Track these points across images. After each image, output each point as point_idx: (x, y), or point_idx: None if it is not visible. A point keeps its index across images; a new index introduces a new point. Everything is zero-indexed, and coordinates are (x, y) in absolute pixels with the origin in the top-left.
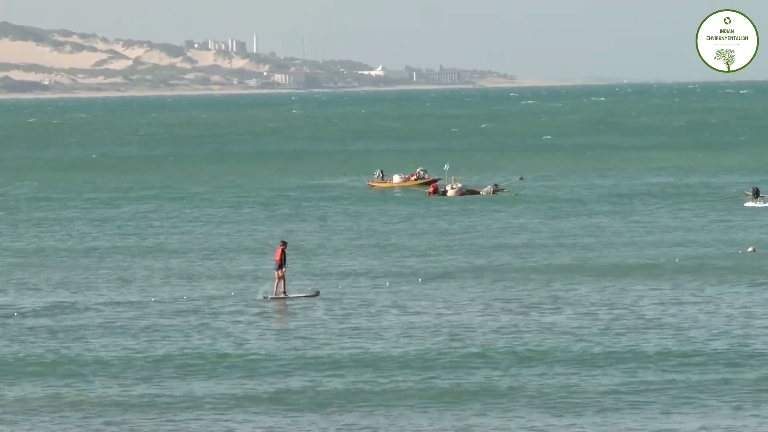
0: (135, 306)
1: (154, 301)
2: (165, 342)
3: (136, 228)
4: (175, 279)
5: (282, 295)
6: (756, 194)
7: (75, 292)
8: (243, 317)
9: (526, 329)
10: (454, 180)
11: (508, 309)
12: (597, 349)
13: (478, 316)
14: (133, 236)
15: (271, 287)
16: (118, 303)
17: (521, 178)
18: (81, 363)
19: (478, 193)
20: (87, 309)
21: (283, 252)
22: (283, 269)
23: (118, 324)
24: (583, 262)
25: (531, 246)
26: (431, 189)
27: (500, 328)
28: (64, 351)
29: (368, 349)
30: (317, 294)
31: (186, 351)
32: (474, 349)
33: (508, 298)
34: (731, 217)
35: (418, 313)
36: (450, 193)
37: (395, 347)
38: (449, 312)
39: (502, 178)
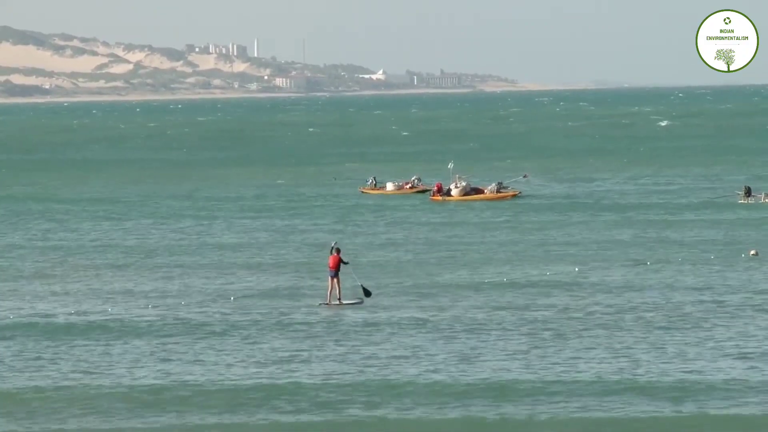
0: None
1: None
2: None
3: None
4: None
5: (336, 302)
6: (748, 193)
7: None
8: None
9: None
10: (458, 178)
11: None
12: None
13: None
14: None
15: (326, 294)
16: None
17: (525, 176)
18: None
19: (483, 191)
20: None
21: (338, 259)
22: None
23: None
24: (585, 272)
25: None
26: (435, 188)
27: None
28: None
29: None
30: (362, 300)
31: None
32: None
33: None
34: (731, 220)
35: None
36: (454, 192)
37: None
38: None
39: (507, 176)
